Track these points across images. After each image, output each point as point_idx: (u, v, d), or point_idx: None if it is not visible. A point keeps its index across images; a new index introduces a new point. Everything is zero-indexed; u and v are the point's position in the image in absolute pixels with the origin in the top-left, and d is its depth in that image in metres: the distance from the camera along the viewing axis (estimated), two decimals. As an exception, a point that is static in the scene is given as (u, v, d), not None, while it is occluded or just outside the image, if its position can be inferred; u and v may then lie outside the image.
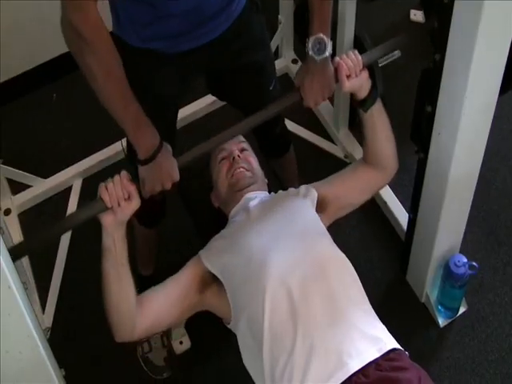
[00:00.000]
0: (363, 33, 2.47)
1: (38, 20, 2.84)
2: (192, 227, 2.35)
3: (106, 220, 1.65)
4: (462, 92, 1.79)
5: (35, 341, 1.50)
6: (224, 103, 2.51)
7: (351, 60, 1.83)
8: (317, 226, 1.91)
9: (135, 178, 1.70)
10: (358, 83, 1.86)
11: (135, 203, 1.67)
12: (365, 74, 1.86)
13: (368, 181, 2.03)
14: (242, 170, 2.04)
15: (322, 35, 1.77)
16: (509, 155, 2.87)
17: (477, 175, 2.11)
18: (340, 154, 2.90)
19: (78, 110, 3.09)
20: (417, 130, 2.09)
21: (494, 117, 1.93)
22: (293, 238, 1.84)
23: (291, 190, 2.03)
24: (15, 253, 1.57)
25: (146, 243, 2.39)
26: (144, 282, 2.00)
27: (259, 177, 2.08)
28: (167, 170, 1.73)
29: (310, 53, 1.79)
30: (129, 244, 1.73)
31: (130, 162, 1.82)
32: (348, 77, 1.83)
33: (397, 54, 2.39)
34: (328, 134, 2.97)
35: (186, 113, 2.89)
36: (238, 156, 2.06)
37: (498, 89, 1.86)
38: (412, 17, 3.26)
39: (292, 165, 2.53)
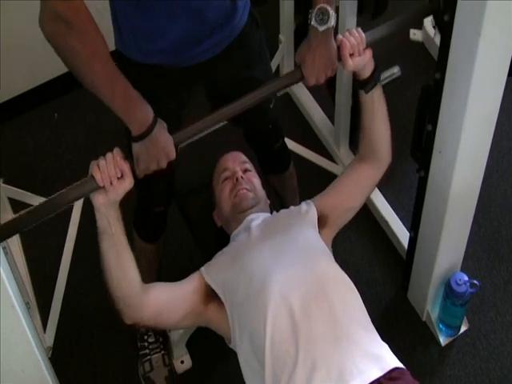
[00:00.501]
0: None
1: (39, 40, 2.85)
2: (193, 243, 2.34)
3: (98, 199, 1.61)
4: (462, 110, 1.80)
5: (37, 357, 1.51)
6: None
7: (354, 38, 1.75)
8: (318, 244, 1.90)
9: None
10: (362, 62, 1.79)
11: (128, 182, 1.62)
12: (368, 53, 1.79)
13: (364, 181, 2.00)
14: (244, 191, 2.04)
15: (325, 6, 1.68)
16: (509, 171, 2.87)
17: (478, 193, 2.11)
18: (341, 173, 2.89)
19: (79, 129, 3.09)
20: (417, 148, 2.09)
21: (494, 133, 1.94)
22: (294, 256, 1.83)
23: (292, 208, 2.03)
24: (3, 232, 1.55)
25: (147, 258, 2.38)
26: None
27: (262, 198, 2.08)
28: (163, 147, 1.67)
29: (313, 23, 1.70)
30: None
31: None
32: (351, 55, 1.76)
33: (397, 72, 2.41)
34: (329, 153, 2.97)
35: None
36: (242, 177, 2.05)
37: (499, 106, 1.86)
38: (412, 36, 3.26)
39: (293, 182, 2.53)
